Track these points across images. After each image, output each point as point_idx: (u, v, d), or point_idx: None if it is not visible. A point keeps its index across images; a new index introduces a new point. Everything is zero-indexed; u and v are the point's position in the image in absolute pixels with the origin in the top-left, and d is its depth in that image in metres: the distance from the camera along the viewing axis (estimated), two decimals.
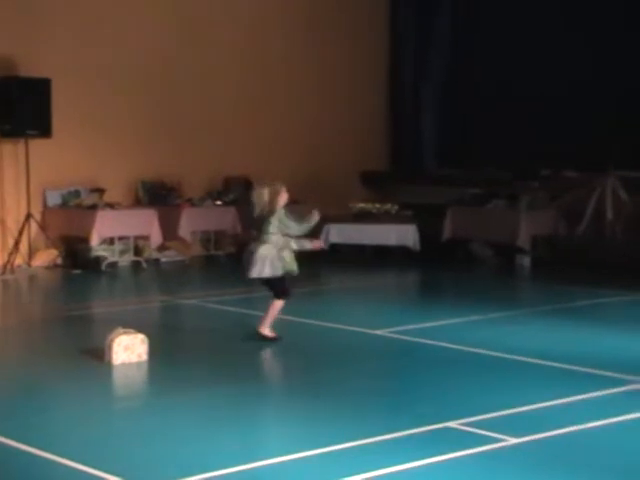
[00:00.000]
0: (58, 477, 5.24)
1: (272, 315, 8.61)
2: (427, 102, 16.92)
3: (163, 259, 14.36)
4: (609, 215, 14.04)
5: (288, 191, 8.55)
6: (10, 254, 13.16)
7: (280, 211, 8.49)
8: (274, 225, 8.45)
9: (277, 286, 8.57)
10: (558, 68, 15.02)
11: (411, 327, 9.36)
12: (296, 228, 8.59)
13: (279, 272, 8.48)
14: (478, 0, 16.33)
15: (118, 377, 7.58)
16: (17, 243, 13.18)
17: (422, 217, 14.78)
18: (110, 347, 7.72)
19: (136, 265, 13.93)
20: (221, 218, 14.64)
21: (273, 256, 8.44)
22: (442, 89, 16.77)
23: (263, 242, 8.45)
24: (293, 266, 8.55)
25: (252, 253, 8.48)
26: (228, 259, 14.38)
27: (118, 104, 14.18)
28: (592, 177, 14.26)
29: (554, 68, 15.05)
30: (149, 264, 14.00)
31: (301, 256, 13.42)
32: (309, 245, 8.80)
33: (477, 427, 6.01)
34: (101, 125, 14.05)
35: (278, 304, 8.61)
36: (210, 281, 13.18)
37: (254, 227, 8.69)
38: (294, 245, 8.66)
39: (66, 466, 5.33)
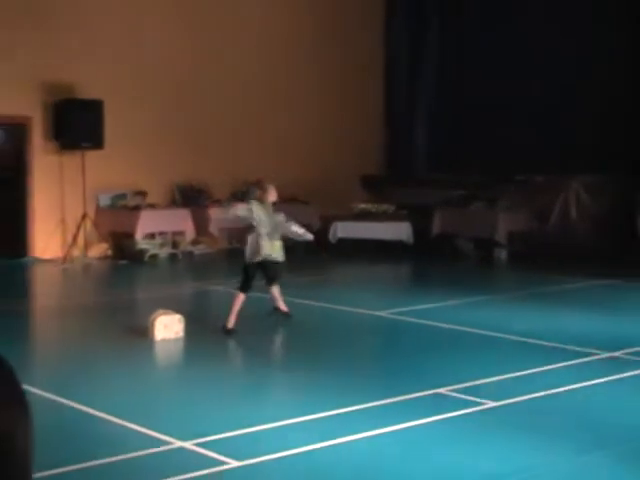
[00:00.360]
0: (109, 431, 5.26)
1: (277, 296, 8.50)
2: (417, 117, 16.87)
3: (196, 251, 14.36)
4: (573, 215, 14.00)
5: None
6: (69, 247, 13.21)
7: (261, 205, 8.17)
8: (253, 217, 8.16)
9: (265, 274, 8.32)
10: (533, 87, 14.94)
11: (407, 309, 9.34)
12: (287, 227, 8.33)
13: (258, 258, 8.15)
14: (465, 21, 16.13)
15: (159, 351, 7.59)
16: (75, 238, 13.22)
17: (414, 216, 14.74)
18: (152, 325, 7.72)
19: (173, 256, 13.94)
20: None
21: (251, 243, 8.21)
22: (430, 106, 16.69)
23: (250, 232, 8.29)
24: (270, 253, 8.13)
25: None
26: None
27: (157, 121, 14.20)
28: (558, 182, 14.22)
29: (530, 87, 14.96)
30: (184, 256, 14.01)
31: (312, 249, 13.43)
32: (303, 234, 8.48)
33: (462, 393, 6.01)
34: (143, 138, 14.07)
35: (274, 288, 8.44)
36: (234, 270, 13.14)
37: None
38: (291, 235, 8.47)
39: (113, 422, 5.35)
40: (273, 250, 8.20)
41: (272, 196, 8.32)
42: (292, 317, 8.56)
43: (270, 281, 8.39)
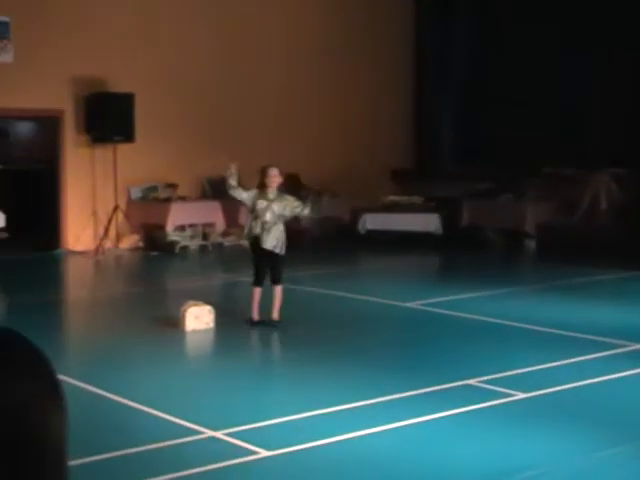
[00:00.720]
0: (140, 421, 5.29)
1: (276, 304, 7.95)
2: (445, 111, 16.78)
3: (226, 243, 14.39)
4: (603, 205, 13.86)
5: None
6: (101, 239, 13.30)
7: (260, 193, 7.91)
8: (247, 204, 8.02)
9: (269, 269, 7.90)
10: (560, 81, 14.82)
11: (436, 300, 9.29)
12: (296, 210, 7.90)
13: (249, 240, 7.95)
14: (493, 18, 16.03)
15: (190, 341, 7.62)
16: (107, 230, 13.30)
17: (443, 208, 14.69)
18: (183, 316, 7.75)
19: (203, 248, 13.99)
20: None
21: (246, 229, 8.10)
22: (458, 100, 16.61)
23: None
24: (265, 241, 7.79)
25: None
26: None
27: (187, 114, 14.24)
28: (588, 174, 14.08)
29: (557, 81, 14.85)
30: (214, 247, 14.05)
31: (340, 240, 13.42)
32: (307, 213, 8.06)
33: (491, 384, 5.97)
34: (174, 132, 14.11)
35: (276, 291, 7.93)
36: None
37: None
38: (305, 215, 8.07)
39: (145, 412, 5.38)
40: (268, 239, 7.80)
41: (272, 182, 7.88)
42: (277, 327, 7.91)
43: (272, 279, 7.93)
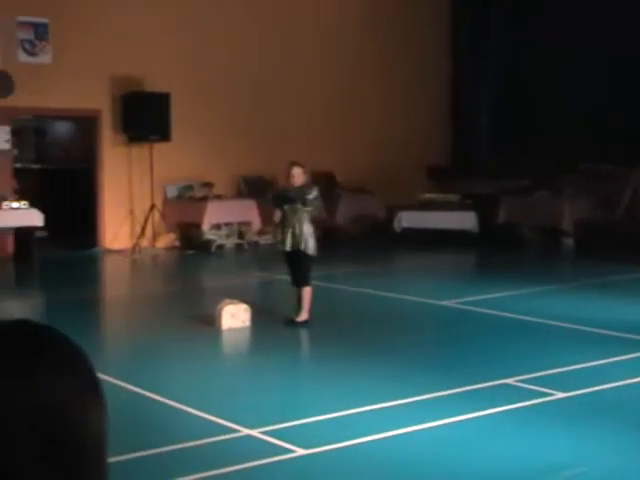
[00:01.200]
0: (177, 418, 5.32)
1: (304, 305, 7.86)
2: (482, 106, 16.67)
3: (261, 242, 14.44)
4: None
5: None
6: (138, 238, 13.41)
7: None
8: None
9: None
10: (599, 76, 14.65)
11: (472, 299, 9.24)
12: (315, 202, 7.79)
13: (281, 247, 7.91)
14: (528, 17, 15.91)
15: (226, 340, 7.65)
16: (143, 229, 13.41)
17: (479, 205, 14.59)
18: (219, 314, 7.78)
19: (239, 247, 14.05)
20: None
21: None
22: (495, 96, 16.49)
23: None
24: (285, 242, 7.78)
25: None
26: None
27: (223, 113, 14.31)
28: (627, 170, 13.89)
29: (596, 76, 14.68)
30: (250, 246, 14.10)
31: (375, 238, 13.40)
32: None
33: (530, 383, 5.92)
34: (210, 131, 14.19)
35: (302, 292, 7.84)
36: None
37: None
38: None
39: (181, 410, 5.41)
40: (288, 239, 7.71)
41: (295, 180, 7.69)
42: (295, 326, 7.84)
43: (296, 280, 7.84)
